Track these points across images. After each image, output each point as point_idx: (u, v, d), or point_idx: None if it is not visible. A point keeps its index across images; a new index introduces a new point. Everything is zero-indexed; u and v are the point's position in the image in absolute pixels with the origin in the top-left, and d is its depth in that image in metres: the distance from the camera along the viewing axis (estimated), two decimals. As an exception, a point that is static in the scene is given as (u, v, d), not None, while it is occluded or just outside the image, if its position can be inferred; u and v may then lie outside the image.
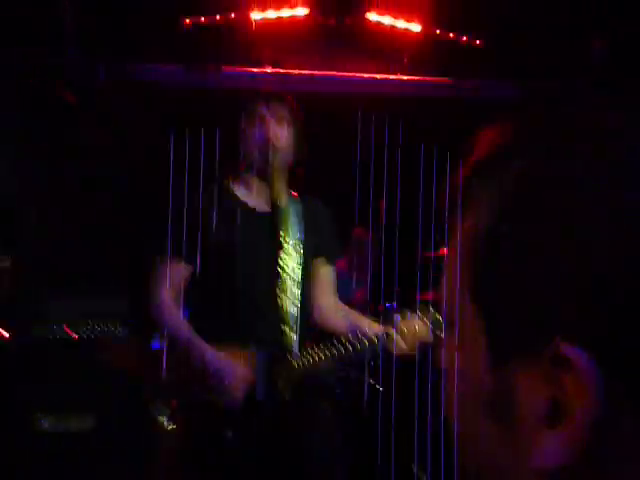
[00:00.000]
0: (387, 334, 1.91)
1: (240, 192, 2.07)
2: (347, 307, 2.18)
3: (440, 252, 3.90)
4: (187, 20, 4.21)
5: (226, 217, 1.98)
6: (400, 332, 1.90)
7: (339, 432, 2.08)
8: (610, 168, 0.35)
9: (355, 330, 1.94)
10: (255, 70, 4.33)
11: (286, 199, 2.06)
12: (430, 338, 1.90)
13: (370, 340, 1.90)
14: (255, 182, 2.03)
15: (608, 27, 4.03)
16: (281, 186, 2.03)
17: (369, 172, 4.77)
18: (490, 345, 0.37)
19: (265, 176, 1.97)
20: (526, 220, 0.36)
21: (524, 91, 4.79)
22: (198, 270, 2.01)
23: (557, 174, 0.36)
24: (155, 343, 2.23)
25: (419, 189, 4.85)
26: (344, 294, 4.00)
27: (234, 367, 1.87)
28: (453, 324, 0.41)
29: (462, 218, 0.41)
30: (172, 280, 2.00)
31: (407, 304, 3.84)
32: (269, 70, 4.32)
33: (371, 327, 1.97)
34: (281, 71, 4.36)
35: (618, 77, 4.44)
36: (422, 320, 1.93)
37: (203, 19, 4.22)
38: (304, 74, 4.36)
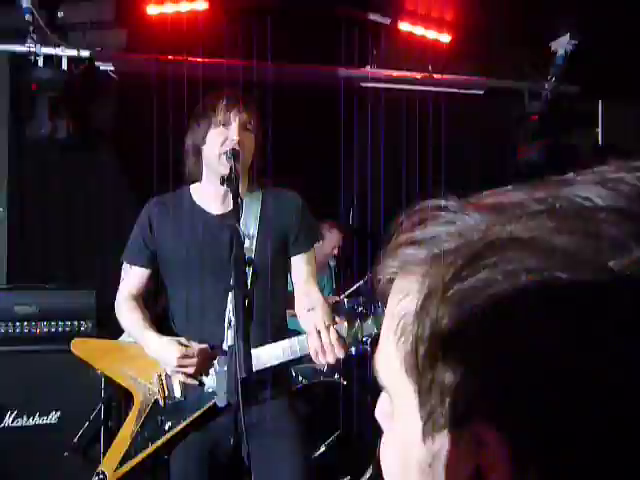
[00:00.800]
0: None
1: (198, 195, 2.06)
2: (321, 303, 2.09)
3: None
4: (151, 8, 4.14)
5: (183, 222, 2.00)
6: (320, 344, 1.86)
7: (298, 442, 2.05)
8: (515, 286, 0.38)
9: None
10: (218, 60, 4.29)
11: (245, 196, 2.03)
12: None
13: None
14: (214, 184, 1.97)
15: (572, 29, 4.10)
16: (242, 188, 1.99)
17: (340, 164, 4.79)
18: (423, 419, 0.42)
19: (227, 180, 1.89)
20: (451, 318, 0.39)
21: (490, 89, 4.85)
22: (162, 275, 2.07)
23: (478, 283, 0.39)
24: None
25: (382, 183, 4.87)
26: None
27: (179, 351, 1.91)
28: (391, 394, 0.45)
29: (397, 297, 0.44)
30: (132, 280, 2.09)
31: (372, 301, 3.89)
32: (236, 61, 4.27)
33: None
34: (252, 62, 4.32)
35: (579, 79, 4.52)
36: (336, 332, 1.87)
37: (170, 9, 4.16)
38: (270, 66, 4.33)
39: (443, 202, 0.45)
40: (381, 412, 0.48)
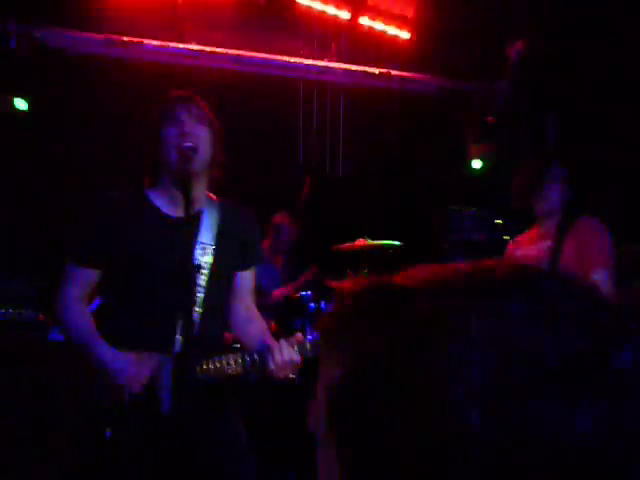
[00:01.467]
0: (260, 360, 1.89)
1: (155, 197, 1.97)
2: (259, 316, 2.12)
3: (356, 243, 3.96)
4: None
5: (137, 223, 1.92)
6: (274, 362, 1.88)
7: (244, 438, 2.04)
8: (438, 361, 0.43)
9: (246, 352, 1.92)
10: (180, 46, 4.21)
11: (204, 203, 1.98)
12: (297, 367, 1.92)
13: (252, 363, 1.90)
14: (172, 186, 1.92)
15: (526, 30, 4.18)
16: (199, 189, 1.94)
17: (293, 155, 4.77)
18: (340, 474, 0.46)
19: (183, 179, 1.84)
20: (365, 388, 0.44)
21: (446, 89, 4.90)
22: (109, 274, 1.95)
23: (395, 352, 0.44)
24: (54, 334, 2.10)
25: (339, 178, 4.88)
26: (267, 281, 4.03)
27: (130, 367, 1.83)
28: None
29: (328, 361, 0.49)
30: (79, 282, 1.95)
31: (322, 292, 3.91)
32: (194, 47, 4.20)
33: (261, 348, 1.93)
34: (206, 49, 4.26)
35: (535, 79, 4.62)
36: (294, 347, 1.90)
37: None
38: (229, 53, 4.27)
39: (383, 289, 0.49)
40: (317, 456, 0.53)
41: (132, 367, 1.84)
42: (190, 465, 1.91)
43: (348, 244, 3.95)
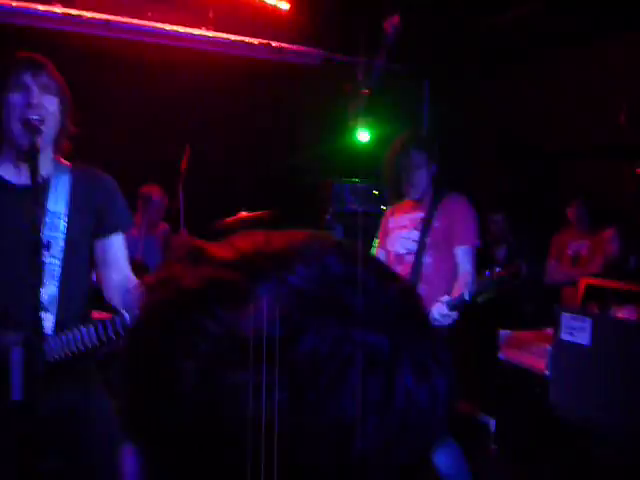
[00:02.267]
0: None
1: None
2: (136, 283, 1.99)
3: (237, 216, 3.92)
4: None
5: None
6: None
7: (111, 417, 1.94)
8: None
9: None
10: (40, 8, 3.91)
11: (52, 170, 1.84)
12: None
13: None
14: (15, 154, 1.77)
15: (403, 4, 4.26)
16: (46, 157, 1.81)
17: (172, 125, 4.60)
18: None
19: (28, 148, 1.70)
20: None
21: (326, 61, 4.92)
22: None
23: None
24: None
25: (222, 149, 4.77)
26: (147, 256, 3.88)
27: None
28: None
29: None
30: None
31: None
32: (57, 9, 3.91)
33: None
34: (72, 12, 3.98)
35: (407, 58, 4.74)
36: None
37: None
38: (98, 18, 4.02)
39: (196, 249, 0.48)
40: None
41: None
42: (52, 447, 1.81)
43: (230, 218, 3.90)
